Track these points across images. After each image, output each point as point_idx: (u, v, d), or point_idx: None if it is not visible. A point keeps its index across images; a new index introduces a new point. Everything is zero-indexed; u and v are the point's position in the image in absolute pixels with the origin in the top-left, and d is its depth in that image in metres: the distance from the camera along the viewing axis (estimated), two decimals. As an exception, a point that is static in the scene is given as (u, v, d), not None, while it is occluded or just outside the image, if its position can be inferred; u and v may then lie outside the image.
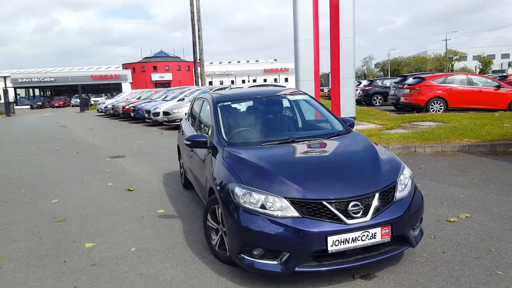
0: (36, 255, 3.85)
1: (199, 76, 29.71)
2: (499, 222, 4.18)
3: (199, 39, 28.99)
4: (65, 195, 6.05)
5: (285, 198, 2.97)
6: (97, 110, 29.23)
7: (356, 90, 25.04)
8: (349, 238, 2.89)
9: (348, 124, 4.50)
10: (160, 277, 3.31)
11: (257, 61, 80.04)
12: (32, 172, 7.95)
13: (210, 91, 6.44)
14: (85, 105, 35.87)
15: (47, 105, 49.39)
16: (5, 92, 32.39)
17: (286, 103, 4.76)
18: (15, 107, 41.23)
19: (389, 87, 21.25)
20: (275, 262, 2.95)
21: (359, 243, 2.93)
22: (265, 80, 59.92)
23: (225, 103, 4.53)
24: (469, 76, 15.22)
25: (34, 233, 4.47)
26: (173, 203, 5.43)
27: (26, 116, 31.29)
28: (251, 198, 3.05)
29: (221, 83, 62.49)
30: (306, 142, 3.90)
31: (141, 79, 58.39)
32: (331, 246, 2.87)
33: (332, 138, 4.07)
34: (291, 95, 4.86)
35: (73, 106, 46.95)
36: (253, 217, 2.98)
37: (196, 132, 5.03)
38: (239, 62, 79.89)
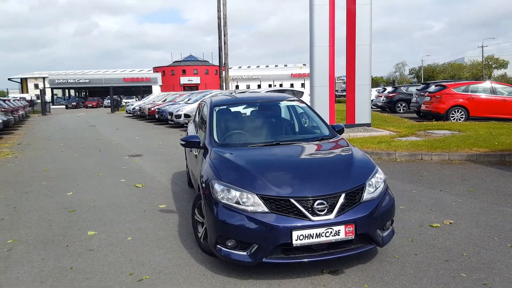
0: (44, 240, 4.29)
1: (224, 80, 30.40)
2: (481, 229, 4.27)
3: (224, 44, 29.61)
4: (80, 189, 6.55)
5: (257, 194, 3.25)
6: (126, 111, 30.40)
7: (380, 96, 24.96)
8: (313, 234, 3.13)
9: (337, 130, 4.71)
10: (146, 263, 3.66)
11: (285, 65, 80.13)
12: (55, 167, 8.56)
13: (211, 95, 6.77)
14: (116, 106, 37.27)
15: (81, 106, 51.57)
16: (42, 92, 34.18)
17: (279, 109, 5.02)
18: (52, 106, 43.45)
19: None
20: (245, 253, 3.22)
21: (323, 239, 3.16)
22: (291, 85, 59.86)
23: (221, 107, 4.85)
24: (493, 85, 14.88)
25: (46, 220, 4.94)
26: (175, 199, 5.80)
27: (61, 115, 32.89)
28: (229, 194, 3.34)
29: (248, 87, 63.11)
30: (289, 145, 4.16)
31: (170, 82, 59.97)
32: (296, 240, 3.11)
33: (315, 142, 4.31)
34: (285, 101, 5.12)
35: (105, 107, 48.73)
36: (228, 211, 3.27)
37: (197, 133, 5.38)
38: (267, 66, 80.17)
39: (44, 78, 67.74)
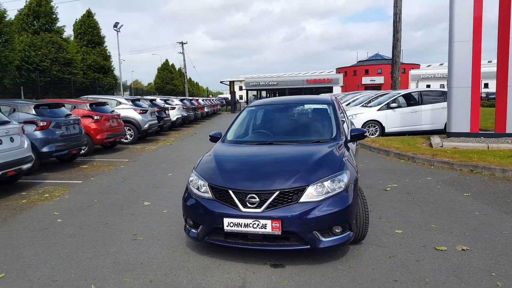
0: (114, 203, 5.82)
1: (395, 79, 28.84)
2: (491, 262, 3.55)
3: (397, 41, 28.08)
4: (180, 172, 8.10)
5: (208, 183, 3.79)
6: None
7: None
8: (241, 223, 3.47)
9: (354, 135, 4.61)
10: (153, 230, 4.62)
11: (489, 61, 68.07)
12: (185, 155, 10.58)
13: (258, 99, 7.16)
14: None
15: (267, 105, 57.52)
16: (232, 94, 40.07)
17: (301, 112, 5.19)
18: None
19: None
20: (196, 231, 3.82)
21: (250, 229, 3.46)
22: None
23: (251, 108, 5.41)
24: None
25: (132, 191, 6.55)
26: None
27: (245, 113, 37.75)
28: (196, 182, 3.98)
29: (442, 86, 56.88)
30: (277, 145, 4.43)
31: (352, 82, 59.90)
32: (227, 226, 3.52)
33: (307, 144, 4.41)
34: (309, 104, 5.26)
35: (287, 106, 53.08)
36: (190, 195, 3.93)
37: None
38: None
39: (244, 81, 78.33)
